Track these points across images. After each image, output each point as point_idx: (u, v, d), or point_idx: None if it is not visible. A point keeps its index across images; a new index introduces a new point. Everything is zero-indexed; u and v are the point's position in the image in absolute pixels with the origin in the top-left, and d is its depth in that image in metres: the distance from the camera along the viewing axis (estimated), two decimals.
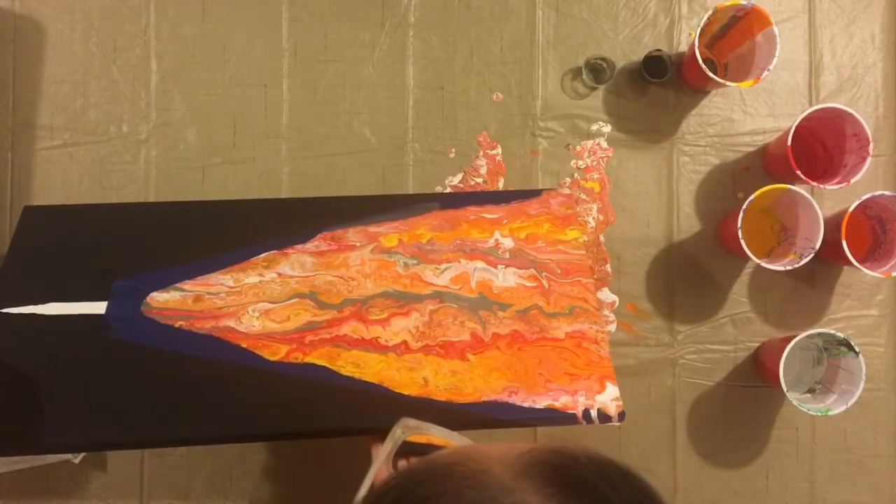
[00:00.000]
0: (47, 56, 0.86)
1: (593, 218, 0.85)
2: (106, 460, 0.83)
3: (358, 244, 0.74)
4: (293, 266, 0.72)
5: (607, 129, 0.86)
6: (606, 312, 0.85)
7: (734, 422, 0.85)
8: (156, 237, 0.75)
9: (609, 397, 0.67)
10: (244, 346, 0.67)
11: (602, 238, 0.85)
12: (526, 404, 0.66)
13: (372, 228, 0.75)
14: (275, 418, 0.65)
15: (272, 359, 0.66)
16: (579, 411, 0.66)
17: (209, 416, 0.64)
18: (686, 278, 0.86)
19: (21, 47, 0.86)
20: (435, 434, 0.54)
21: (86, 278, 0.72)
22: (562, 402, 0.66)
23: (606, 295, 0.85)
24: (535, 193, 0.79)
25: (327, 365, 0.66)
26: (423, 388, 0.66)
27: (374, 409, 0.65)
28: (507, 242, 0.74)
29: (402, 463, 0.58)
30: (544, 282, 0.72)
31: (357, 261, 0.72)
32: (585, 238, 0.83)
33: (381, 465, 0.54)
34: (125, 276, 0.72)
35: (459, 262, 0.72)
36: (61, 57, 0.86)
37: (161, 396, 0.65)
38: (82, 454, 0.80)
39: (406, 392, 0.65)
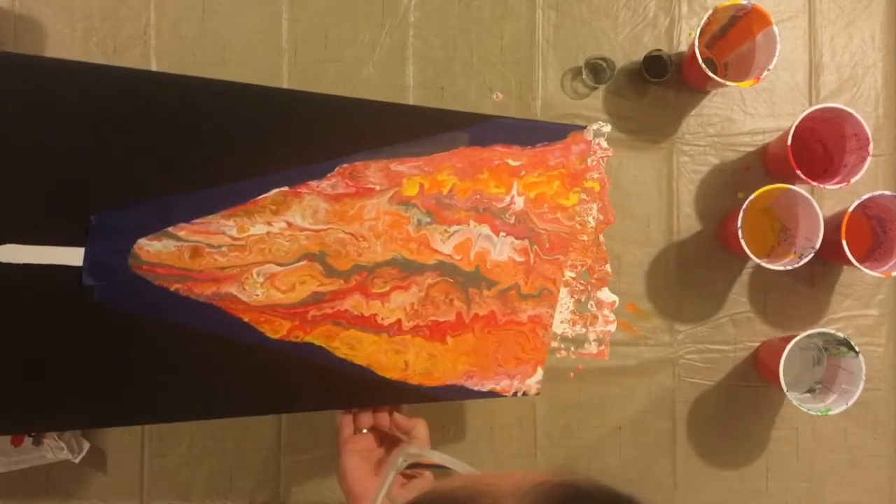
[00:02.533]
0: (47, 56, 0.86)
1: (593, 218, 0.85)
2: (106, 460, 0.84)
3: (378, 187, 0.67)
4: (304, 214, 0.64)
5: (607, 129, 0.86)
6: (606, 312, 0.85)
7: (734, 422, 0.85)
8: (138, 141, 0.58)
9: (535, 380, 0.76)
10: (246, 319, 0.63)
11: (602, 238, 0.85)
12: (476, 388, 0.73)
13: (395, 166, 0.68)
14: (264, 399, 0.66)
15: (273, 336, 0.65)
16: (511, 393, 0.75)
17: (199, 396, 0.63)
18: (686, 278, 0.86)
19: (21, 47, 0.86)
20: (436, 460, 0.55)
21: (50, 204, 0.56)
22: (502, 385, 0.74)
23: (606, 295, 0.85)
24: (561, 134, 0.75)
25: (324, 346, 0.66)
26: (403, 372, 0.70)
27: (358, 391, 0.68)
28: (519, 203, 0.73)
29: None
30: (532, 256, 0.74)
31: (372, 213, 0.67)
32: (585, 197, 0.85)
33: (385, 492, 0.54)
34: (103, 205, 0.57)
35: (469, 224, 0.71)
36: (61, 57, 0.86)
37: (149, 374, 0.61)
38: (82, 454, 0.81)
39: (388, 375, 0.69)
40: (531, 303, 0.75)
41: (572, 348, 0.85)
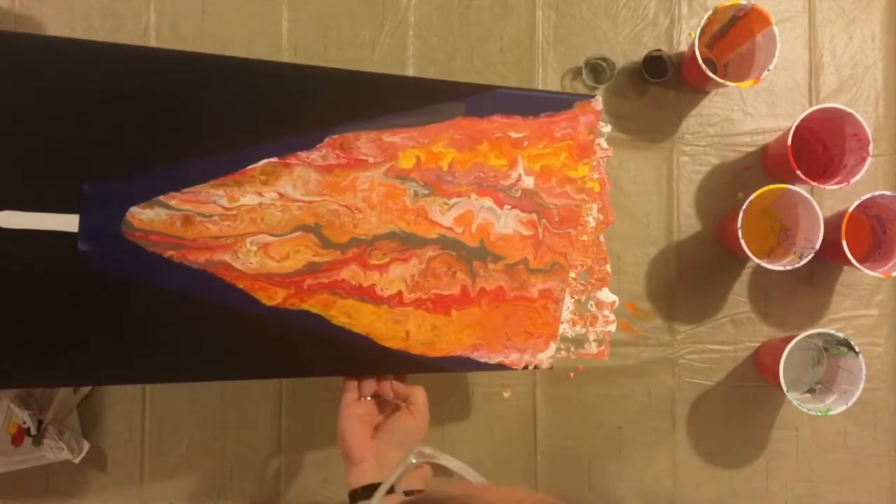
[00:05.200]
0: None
1: (593, 218, 0.85)
2: (106, 460, 0.84)
3: (371, 159, 0.66)
4: (296, 184, 0.64)
5: (607, 129, 0.86)
6: (606, 312, 0.85)
7: (734, 422, 0.85)
8: (129, 112, 0.60)
9: (547, 355, 0.75)
10: (241, 286, 0.64)
11: (602, 238, 0.85)
12: (483, 360, 0.72)
13: (387, 137, 0.66)
14: (258, 362, 0.66)
15: (269, 303, 0.65)
16: (521, 367, 0.74)
17: (192, 358, 0.64)
18: (686, 278, 0.86)
19: None
20: (447, 464, 0.55)
21: (43, 174, 0.58)
22: (511, 359, 0.73)
23: (606, 295, 0.85)
24: (567, 104, 0.73)
25: (321, 313, 0.66)
26: (404, 342, 0.69)
27: (357, 359, 0.68)
28: (528, 182, 0.71)
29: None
30: (540, 230, 0.72)
31: (366, 184, 0.66)
32: (595, 177, 0.84)
33: (389, 486, 0.54)
34: (96, 174, 0.59)
35: (470, 196, 0.70)
36: None
37: (143, 336, 0.62)
38: (82, 454, 0.81)
39: (388, 344, 0.69)
40: (541, 277, 0.73)
41: (572, 348, 0.85)
